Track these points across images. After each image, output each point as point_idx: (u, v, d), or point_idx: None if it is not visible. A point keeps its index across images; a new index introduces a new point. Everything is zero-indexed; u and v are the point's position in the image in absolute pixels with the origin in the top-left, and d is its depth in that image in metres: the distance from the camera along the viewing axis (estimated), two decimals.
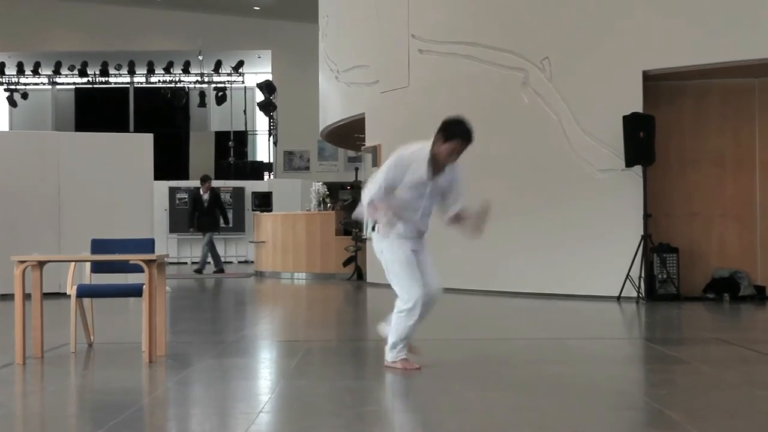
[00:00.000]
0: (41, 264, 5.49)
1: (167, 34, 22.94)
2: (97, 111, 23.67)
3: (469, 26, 10.45)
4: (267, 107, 21.79)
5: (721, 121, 9.42)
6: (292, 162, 23.24)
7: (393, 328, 5.01)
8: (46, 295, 5.63)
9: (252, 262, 16.63)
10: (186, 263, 15.47)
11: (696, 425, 3.63)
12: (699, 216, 9.43)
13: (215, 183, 20.01)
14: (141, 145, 11.03)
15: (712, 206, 9.41)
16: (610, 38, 9.29)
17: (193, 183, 20.19)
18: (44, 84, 23.63)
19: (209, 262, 15.10)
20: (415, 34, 11.07)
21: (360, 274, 12.81)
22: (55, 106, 24.79)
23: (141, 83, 23.77)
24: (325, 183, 14.78)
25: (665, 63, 8.98)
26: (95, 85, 23.51)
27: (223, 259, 16.60)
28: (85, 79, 23.23)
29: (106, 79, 23.25)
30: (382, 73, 11.68)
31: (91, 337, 6.08)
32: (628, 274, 8.83)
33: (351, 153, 21.33)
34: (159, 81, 23.40)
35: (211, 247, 14.99)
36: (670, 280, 8.96)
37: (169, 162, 20.54)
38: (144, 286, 5.48)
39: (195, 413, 4.19)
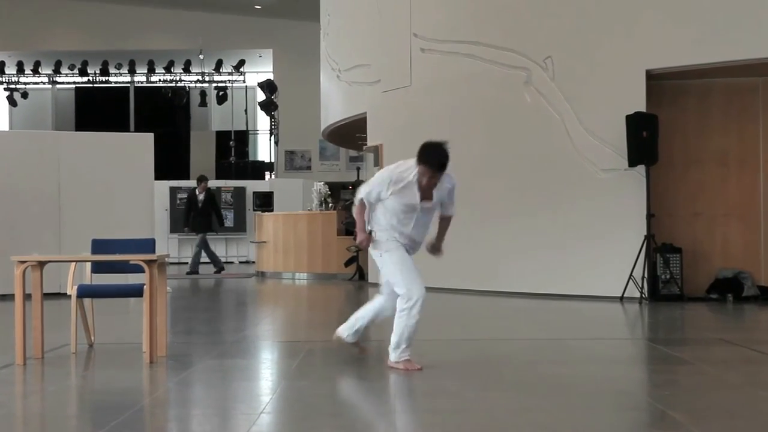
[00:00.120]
0: (41, 264, 5.49)
1: (168, 33, 22.92)
2: (97, 110, 23.65)
3: (471, 25, 10.42)
4: (268, 107, 21.77)
5: (725, 121, 9.39)
6: (294, 162, 23.22)
7: (396, 327, 5.02)
8: (47, 296, 5.63)
9: (253, 262, 16.61)
10: (187, 263, 15.44)
11: (699, 426, 3.63)
12: (702, 216, 9.41)
13: (216, 183, 20.06)
14: (141, 145, 11.02)
15: (715, 206, 9.38)
16: (613, 37, 9.26)
17: (194, 183, 20.19)
18: (44, 83, 23.62)
19: (205, 263, 15.03)
20: (417, 33, 11.04)
21: (362, 275, 12.78)
22: (55, 106, 24.77)
23: (141, 83, 23.75)
24: (326, 183, 14.75)
25: (668, 62, 8.95)
26: (95, 85, 23.50)
27: (224, 260, 16.60)
28: (85, 79, 23.22)
29: (107, 78, 23.23)
30: (384, 73, 11.65)
31: (92, 338, 6.07)
32: (631, 275, 8.81)
33: (352, 152, 21.31)
34: (159, 80, 23.38)
35: (205, 248, 14.90)
36: (673, 281, 8.93)
37: (170, 162, 20.52)
38: (144, 287, 5.47)
39: (196, 414, 4.19)
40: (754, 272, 9.15)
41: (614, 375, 4.97)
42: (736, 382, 4.69)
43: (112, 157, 10.73)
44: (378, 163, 12.36)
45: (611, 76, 9.23)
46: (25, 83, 23.39)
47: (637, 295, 8.80)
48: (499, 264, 10.00)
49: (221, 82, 23.17)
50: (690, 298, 8.97)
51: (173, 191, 19.31)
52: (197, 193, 15.01)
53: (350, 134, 14.28)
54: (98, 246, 6.07)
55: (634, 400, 4.34)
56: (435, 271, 10.59)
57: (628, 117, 8.85)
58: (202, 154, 23.78)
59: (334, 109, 13.96)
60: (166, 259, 5.94)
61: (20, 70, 23.05)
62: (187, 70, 23.07)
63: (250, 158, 24.22)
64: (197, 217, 14.90)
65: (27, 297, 5.31)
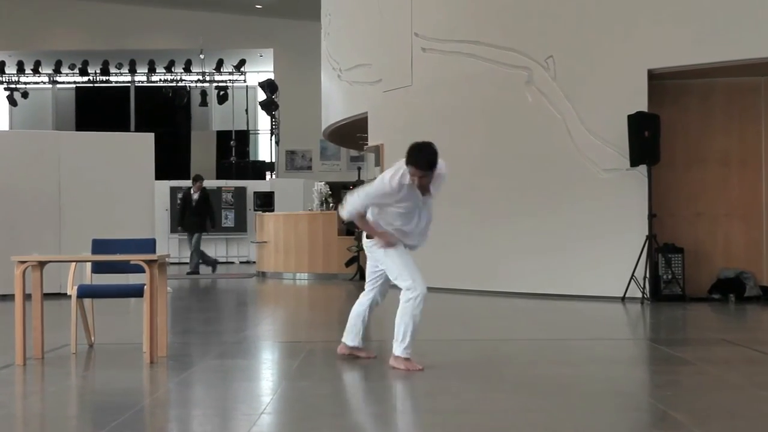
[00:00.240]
0: (42, 264, 5.48)
1: (168, 32, 22.91)
2: (97, 110, 23.65)
3: (472, 24, 10.41)
4: (269, 106, 21.76)
5: (727, 120, 9.38)
6: (294, 161, 23.21)
7: (400, 319, 5.05)
8: (47, 296, 5.63)
9: (254, 262, 16.60)
10: (187, 263, 15.43)
11: (700, 426, 3.62)
12: (704, 216, 9.39)
13: (217, 183, 20.06)
14: (142, 145, 11.00)
15: (717, 206, 9.36)
16: (615, 37, 9.25)
17: None
18: (45, 83, 23.62)
19: (201, 262, 14.97)
20: (418, 33, 11.03)
21: (362, 275, 12.73)
22: (55, 106, 24.77)
23: (142, 82, 23.74)
24: (327, 183, 14.73)
25: (670, 62, 8.93)
26: (96, 84, 23.50)
27: (224, 260, 16.58)
28: (85, 78, 23.22)
29: (107, 78, 23.24)
30: (385, 72, 11.64)
31: (92, 338, 6.06)
32: (632, 275, 8.79)
33: (353, 152, 21.30)
34: (160, 80, 23.38)
35: (195, 246, 14.81)
36: (675, 281, 8.91)
37: (171, 162, 20.50)
38: (145, 287, 5.46)
39: (196, 414, 4.17)
40: (757, 272, 9.13)
41: (615, 375, 4.96)
42: (738, 383, 4.67)
43: (112, 157, 10.72)
44: (379, 163, 12.35)
45: (613, 75, 9.21)
46: (25, 83, 23.40)
47: (639, 295, 8.79)
48: (499, 264, 9.98)
49: (222, 81, 23.16)
50: (692, 299, 8.94)
51: (174, 191, 19.29)
52: (192, 192, 14.93)
53: (351, 134, 14.27)
54: (98, 246, 6.06)
55: (635, 401, 4.33)
56: (435, 271, 10.60)
57: (629, 117, 8.83)
58: (202, 154, 23.77)
59: (334, 109, 13.95)
60: (167, 259, 5.92)
61: (20, 70, 23.06)
62: (187, 69, 23.06)
63: (251, 158, 24.21)
64: (192, 216, 14.80)
65: (27, 297, 5.30)
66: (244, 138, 23.74)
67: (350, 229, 13.04)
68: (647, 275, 8.78)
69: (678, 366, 5.27)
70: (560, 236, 9.47)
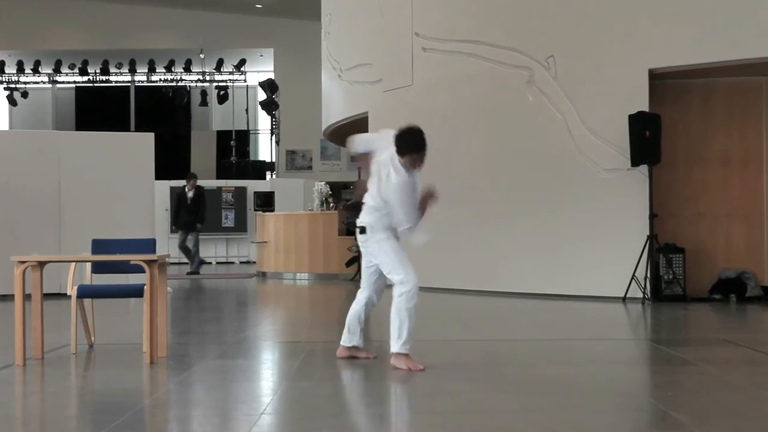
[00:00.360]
0: (41, 264, 5.48)
1: (168, 32, 22.90)
2: (97, 110, 23.65)
3: (473, 24, 10.40)
4: (269, 106, 21.75)
5: (728, 120, 9.36)
6: (295, 161, 23.20)
7: (395, 315, 5.05)
8: (47, 296, 5.62)
9: (254, 262, 16.59)
10: (187, 263, 15.43)
11: (701, 427, 3.61)
12: (705, 216, 9.37)
13: (217, 183, 20.05)
14: (142, 145, 10.99)
15: (718, 206, 9.34)
16: (616, 36, 9.23)
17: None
18: (44, 83, 23.61)
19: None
20: (418, 32, 11.01)
21: None
22: (55, 105, 24.77)
23: (142, 82, 23.73)
24: (327, 182, 14.72)
25: (671, 61, 8.92)
26: (96, 84, 23.49)
27: (224, 260, 16.55)
28: (85, 78, 23.21)
29: (107, 77, 23.22)
30: (386, 72, 11.63)
31: (92, 338, 6.05)
32: (633, 275, 8.78)
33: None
34: (160, 80, 23.37)
35: (182, 245, 14.74)
36: (676, 281, 8.90)
37: (171, 161, 20.47)
38: (145, 287, 5.45)
39: (196, 415, 4.17)
40: (758, 272, 9.11)
41: (616, 376, 4.95)
42: (739, 383, 4.66)
43: (112, 157, 10.70)
44: None
45: (614, 75, 9.19)
46: (25, 83, 23.39)
47: (640, 295, 8.77)
48: (499, 264, 9.97)
49: (222, 81, 23.15)
50: (693, 299, 8.92)
51: (174, 191, 19.27)
52: (187, 191, 14.88)
53: (351, 134, 14.20)
54: (98, 246, 6.05)
55: (636, 401, 4.32)
56: (435, 271, 10.61)
57: (630, 116, 8.81)
58: (202, 153, 23.76)
59: (335, 109, 13.93)
60: (167, 259, 5.91)
61: (20, 70, 23.05)
62: (187, 69, 23.05)
63: (251, 158, 24.20)
64: (187, 215, 14.73)
65: (27, 297, 5.28)
66: (244, 138, 23.73)
67: (350, 229, 13.03)
68: (648, 275, 8.77)
69: (679, 366, 5.26)
70: (561, 236, 9.45)
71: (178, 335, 6.73)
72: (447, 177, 10.68)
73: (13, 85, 23.23)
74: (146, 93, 24.01)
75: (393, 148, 5.13)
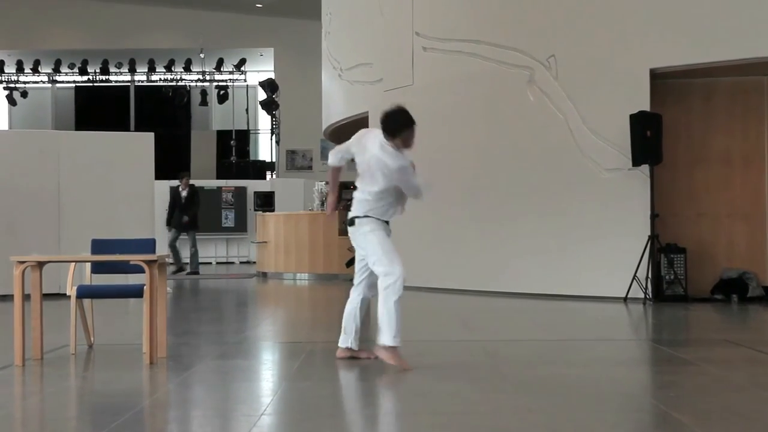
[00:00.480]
0: (41, 264, 5.47)
1: (169, 31, 22.88)
2: (97, 110, 23.62)
3: (473, 24, 10.38)
4: (269, 106, 21.73)
5: (730, 120, 9.34)
6: (295, 161, 23.17)
7: (383, 308, 5.07)
8: (46, 296, 5.61)
9: (254, 262, 16.56)
10: (187, 263, 15.40)
11: (703, 427, 3.61)
12: (707, 216, 9.36)
13: (217, 182, 20.03)
14: (142, 144, 10.97)
15: (720, 206, 9.33)
16: (617, 36, 9.21)
17: (195, 182, 20.11)
18: (44, 82, 23.58)
19: (171, 263, 14.83)
20: (419, 32, 10.99)
21: None
22: (55, 105, 24.74)
23: (142, 82, 23.70)
24: (327, 183, 14.67)
25: (673, 61, 8.90)
26: (95, 84, 23.46)
27: (224, 260, 16.49)
28: (85, 78, 23.18)
29: (107, 77, 23.19)
30: (386, 72, 11.61)
31: (92, 339, 6.04)
32: (635, 275, 8.76)
33: None
34: (160, 79, 23.33)
35: (172, 243, 14.68)
36: (677, 281, 8.88)
37: (171, 161, 20.42)
38: (145, 287, 5.44)
39: (196, 415, 4.16)
40: (759, 273, 9.09)
41: (618, 376, 4.94)
42: (741, 384, 4.66)
43: (112, 157, 10.68)
44: None
45: (615, 75, 9.17)
46: (24, 82, 23.35)
47: (641, 295, 8.74)
48: (500, 264, 9.95)
49: (222, 81, 23.12)
50: (694, 299, 8.91)
51: (173, 191, 19.24)
52: (180, 190, 14.81)
53: (352, 133, 14.04)
54: (98, 246, 6.04)
55: (637, 402, 4.31)
56: (436, 271, 10.60)
57: (632, 116, 8.79)
58: (202, 153, 23.72)
59: (335, 109, 13.91)
60: (167, 259, 5.90)
61: (20, 69, 23.01)
62: (187, 69, 23.02)
63: (251, 158, 24.17)
64: (181, 214, 14.68)
65: (26, 297, 5.27)
66: (244, 137, 23.70)
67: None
68: (649, 275, 8.75)
69: (680, 367, 5.25)
70: (562, 236, 9.43)
71: (178, 336, 6.71)
72: (447, 177, 10.67)
73: (12, 85, 23.19)
74: (146, 93, 23.98)
75: (377, 140, 5.21)
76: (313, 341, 6.55)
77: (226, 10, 22.42)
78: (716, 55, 8.65)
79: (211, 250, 19.33)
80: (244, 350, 6.20)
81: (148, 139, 11.05)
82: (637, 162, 8.82)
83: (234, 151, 22.47)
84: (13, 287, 5.23)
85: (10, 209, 10.13)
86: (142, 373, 5.14)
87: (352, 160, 5.52)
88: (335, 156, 5.60)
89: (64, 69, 23.13)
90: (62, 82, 23.83)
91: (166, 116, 23.70)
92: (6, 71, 23.05)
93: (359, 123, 12.86)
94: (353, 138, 5.50)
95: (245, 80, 23.36)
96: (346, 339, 5.35)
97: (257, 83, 22.37)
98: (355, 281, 5.42)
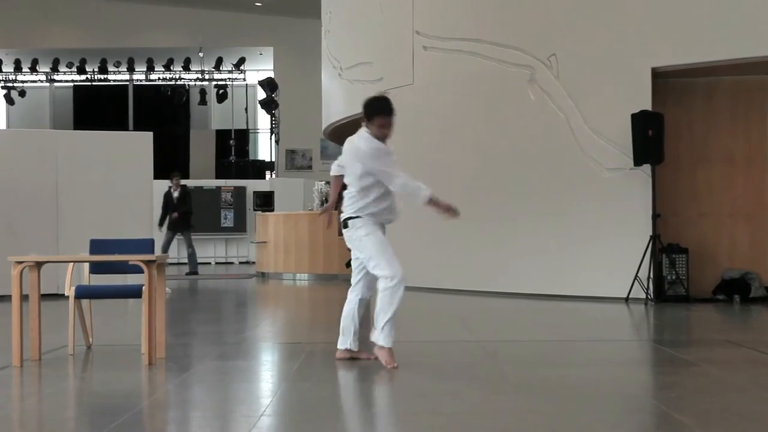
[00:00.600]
0: (39, 265, 5.44)
1: (167, 30, 22.85)
2: (95, 109, 23.60)
3: (474, 23, 10.35)
4: (269, 105, 21.70)
5: (732, 119, 9.33)
6: (295, 161, 23.15)
7: (380, 309, 5.07)
8: (44, 296, 5.59)
9: (253, 262, 16.54)
10: (186, 263, 15.38)
11: (705, 428, 3.60)
12: (709, 216, 9.34)
13: (217, 182, 20.00)
14: (140, 144, 10.94)
15: (722, 206, 9.31)
16: (619, 35, 9.18)
17: (194, 182, 20.12)
18: (42, 81, 23.55)
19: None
20: (419, 31, 10.97)
21: None
22: (53, 104, 24.71)
23: (140, 81, 23.67)
24: (327, 182, 14.66)
25: (675, 60, 8.88)
26: (94, 83, 23.43)
27: (223, 260, 16.46)
28: (83, 77, 23.15)
29: (105, 76, 23.17)
30: (386, 71, 11.58)
31: (90, 339, 6.02)
32: (636, 275, 8.73)
33: None
34: (159, 78, 23.30)
35: (165, 244, 14.64)
36: (679, 281, 8.86)
37: (169, 161, 20.41)
38: (143, 287, 5.42)
39: (195, 416, 4.14)
40: (762, 273, 9.06)
41: (619, 377, 4.92)
42: (743, 384, 4.63)
43: (110, 156, 10.66)
44: None
45: (616, 74, 9.15)
46: (22, 81, 23.33)
47: (643, 296, 8.72)
48: (501, 264, 9.93)
49: (221, 80, 23.09)
50: (696, 299, 8.89)
51: (166, 192, 19.19)
52: (171, 191, 14.76)
53: (352, 133, 14.00)
54: (96, 246, 6.02)
55: (639, 403, 4.29)
56: (437, 271, 10.57)
57: (633, 116, 8.77)
58: (201, 153, 23.71)
59: (335, 108, 13.89)
60: (166, 259, 5.87)
61: (18, 68, 22.99)
62: (186, 68, 22.99)
63: (251, 157, 24.17)
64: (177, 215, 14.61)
65: (24, 298, 5.27)
66: (243, 137, 23.69)
67: None
68: (651, 276, 8.72)
69: (682, 367, 5.23)
70: (563, 236, 9.41)
71: (177, 336, 6.68)
72: (448, 176, 10.65)
73: (10, 84, 23.17)
74: (145, 92, 23.96)
75: (358, 132, 5.24)
76: (312, 342, 6.52)
77: (225, 8, 22.39)
78: (718, 54, 8.62)
79: (211, 250, 19.32)
80: (243, 351, 6.18)
81: (146, 138, 11.02)
82: (638, 161, 8.79)
83: (233, 151, 22.45)
84: (11, 287, 5.21)
85: (8, 209, 10.11)
86: (141, 373, 5.12)
87: None
88: (334, 166, 5.59)
89: (62, 68, 23.10)
90: (60, 81, 23.81)
91: (164, 115, 23.67)
92: (4, 70, 23.04)
93: (359, 122, 12.83)
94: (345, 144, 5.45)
95: (244, 79, 23.34)
96: (345, 340, 5.33)
97: (256, 82, 22.35)
98: (353, 281, 5.41)
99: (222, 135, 23.74)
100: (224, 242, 19.61)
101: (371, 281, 5.31)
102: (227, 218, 19.49)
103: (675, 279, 8.85)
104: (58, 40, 22.83)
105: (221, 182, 20.08)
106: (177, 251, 18.76)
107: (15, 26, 22.54)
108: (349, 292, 5.40)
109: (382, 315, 5.05)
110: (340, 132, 14.94)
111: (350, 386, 4.90)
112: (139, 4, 22.54)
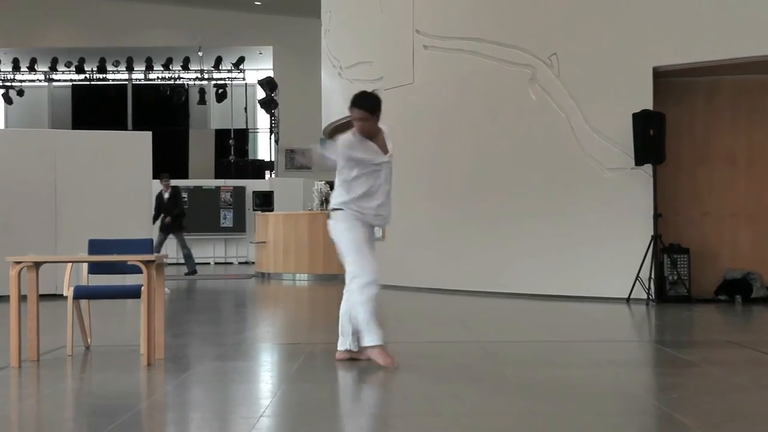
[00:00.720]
0: (37, 265, 5.43)
1: (166, 29, 22.82)
2: (94, 108, 23.57)
3: (474, 22, 10.33)
4: (268, 104, 21.68)
5: (733, 119, 9.31)
6: (294, 160, 23.11)
7: (355, 312, 5.09)
8: (43, 297, 5.61)
9: (253, 263, 16.51)
10: (185, 264, 15.37)
11: (707, 429, 3.58)
12: (710, 216, 9.32)
13: (216, 182, 19.98)
14: (139, 144, 10.93)
15: (723, 206, 9.29)
16: (620, 34, 9.16)
17: (193, 182, 20.12)
18: (40, 81, 23.51)
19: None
20: (419, 30, 10.95)
21: None
22: (51, 104, 24.67)
23: (139, 80, 23.63)
24: (327, 182, 14.63)
25: (676, 59, 8.86)
26: (92, 82, 23.39)
27: (223, 260, 16.42)
28: (82, 76, 23.11)
29: (104, 75, 23.12)
30: (386, 70, 11.56)
31: (88, 340, 6.01)
32: (637, 276, 8.70)
33: None
34: (158, 78, 23.25)
35: (158, 245, 14.57)
36: (680, 282, 8.83)
37: (168, 160, 20.38)
38: (142, 288, 5.40)
39: (194, 417, 4.12)
40: (764, 273, 9.05)
41: (620, 378, 4.89)
42: (745, 385, 4.62)
43: (109, 156, 10.65)
44: None
45: (618, 73, 9.12)
46: (21, 81, 23.28)
47: (644, 296, 8.69)
48: (502, 264, 9.90)
49: (220, 79, 23.07)
50: (698, 300, 8.87)
51: (157, 194, 19.14)
52: (162, 192, 14.70)
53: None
54: (95, 246, 6.01)
55: (640, 404, 4.26)
56: (438, 272, 10.55)
57: (634, 115, 8.74)
58: (201, 152, 23.69)
59: (335, 107, 13.85)
60: (164, 259, 5.86)
61: (16, 68, 22.95)
62: (185, 67, 22.96)
63: (250, 157, 24.14)
64: (166, 216, 14.56)
65: (23, 298, 5.25)
66: (243, 137, 23.66)
67: None
68: (652, 276, 8.69)
69: (683, 368, 5.21)
70: (563, 236, 9.38)
71: (176, 337, 6.66)
72: (448, 176, 10.63)
73: (8, 83, 23.13)
74: (144, 91, 23.93)
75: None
76: (312, 342, 6.49)
77: (224, 7, 22.37)
78: (720, 54, 8.60)
79: (210, 250, 19.30)
80: (242, 352, 6.15)
81: (145, 138, 11.00)
82: (639, 161, 8.77)
83: (232, 151, 22.43)
84: (10, 288, 5.19)
85: (6, 209, 10.10)
86: (140, 374, 5.10)
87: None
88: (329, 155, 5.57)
89: (60, 67, 23.06)
90: (59, 80, 23.77)
91: (163, 115, 23.65)
92: (2, 69, 23.00)
93: None
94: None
95: (244, 79, 23.31)
96: (344, 341, 5.30)
97: (256, 82, 22.32)
98: (347, 279, 5.37)
99: (221, 134, 23.72)
100: (223, 242, 19.59)
101: None
102: (226, 218, 19.46)
103: (676, 279, 8.83)
104: (56, 40, 22.79)
105: (220, 182, 20.06)
106: (176, 252, 18.76)
107: (13, 25, 22.51)
108: (344, 291, 5.36)
109: (358, 317, 5.06)
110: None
111: (350, 387, 4.88)
112: (138, 3, 22.51)
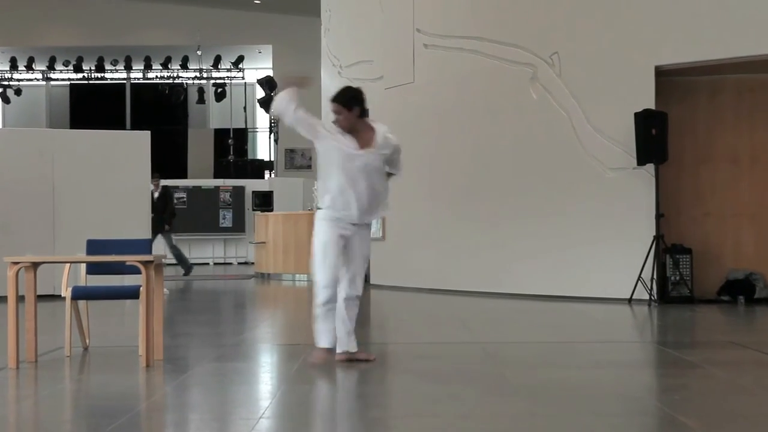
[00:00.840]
0: (35, 265, 5.43)
1: (165, 28, 22.80)
2: (92, 108, 23.51)
3: (475, 20, 10.30)
4: (268, 104, 21.63)
5: (736, 118, 9.28)
6: (294, 160, 23.09)
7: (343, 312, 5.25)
8: (40, 297, 5.62)
9: (252, 263, 16.48)
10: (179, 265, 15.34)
11: (709, 431, 3.57)
12: (713, 216, 9.29)
13: (215, 182, 19.95)
14: (138, 143, 10.91)
15: (726, 206, 9.26)
16: (622, 33, 9.13)
17: (192, 182, 20.08)
18: (38, 80, 23.44)
19: (179, 262, 14.67)
20: (420, 29, 10.92)
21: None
22: (49, 103, 24.62)
23: (138, 79, 23.59)
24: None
25: (678, 58, 8.83)
26: (91, 81, 23.33)
27: (222, 260, 16.36)
28: (80, 75, 23.05)
29: (102, 74, 23.07)
30: (387, 69, 11.54)
31: (87, 341, 6.00)
32: (639, 276, 8.67)
33: None
34: (156, 77, 23.20)
35: (171, 248, 14.53)
36: (683, 282, 8.80)
37: (167, 160, 20.35)
38: (141, 288, 5.38)
39: (193, 419, 4.12)
40: (766, 274, 9.01)
41: (622, 379, 4.88)
42: (747, 386, 4.61)
43: (107, 156, 10.62)
44: None
45: (619, 72, 9.09)
46: (18, 80, 23.22)
47: (646, 297, 8.65)
48: (502, 265, 9.88)
49: (220, 78, 23.03)
50: (700, 300, 8.84)
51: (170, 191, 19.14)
52: (152, 192, 14.59)
53: None
54: (93, 246, 5.99)
55: (642, 405, 4.26)
56: (439, 272, 10.52)
57: (636, 114, 8.71)
58: (199, 152, 23.66)
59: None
60: (163, 260, 5.85)
61: (13, 67, 22.89)
62: (184, 66, 22.91)
63: (250, 157, 24.12)
64: (158, 217, 14.44)
65: (20, 299, 5.24)
66: (242, 136, 23.63)
67: None
68: (655, 276, 8.65)
69: (686, 369, 5.20)
70: (565, 236, 9.35)
71: (175, 337, 6.65)
72: (448, 175, 10.61)
73: (6, 83, 23.08)
74: (142, 90, 23.90)
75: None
76: (312, 343, 6.45)
77: (223, 6, 22.34)
78: (722, 53, 8.58)
79: (209, 250, 19.27)
80: (242, 352, 6.15)
81: (144, 137, 10.98)
82: (641, 161, 8.74)
83: (232, 150, 22.40)
84: (8, 288, 5.18)
85: (4, 209, 10.08)
86: (139, 375, 5.09)
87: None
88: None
89: (58, 66, 22.99)
90: (57, 79, 23.72)
91: (162, 114, 23.60)
92: (0, 68, 22.95)
93: None
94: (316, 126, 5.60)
95: (243, 78, 23.28)
96: (341, 343, 5.26)
97: (255, 81, 22.29)
98: (339, 279, 5.39)
99: (220, 134, 23.69)
100: (223, 242, 19.55)
101: (353, 277, 5.25)
102: (226, 218, 19.43)
103: (679, 280, 8.80)
104: (54, 38, 22.75)
105: (220, 182, 20.03)
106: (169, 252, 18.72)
107: (11, 24, 22.47)
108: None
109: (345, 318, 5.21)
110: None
111: (350, 388, 4.87)
112: (137, 1, 22.49)
